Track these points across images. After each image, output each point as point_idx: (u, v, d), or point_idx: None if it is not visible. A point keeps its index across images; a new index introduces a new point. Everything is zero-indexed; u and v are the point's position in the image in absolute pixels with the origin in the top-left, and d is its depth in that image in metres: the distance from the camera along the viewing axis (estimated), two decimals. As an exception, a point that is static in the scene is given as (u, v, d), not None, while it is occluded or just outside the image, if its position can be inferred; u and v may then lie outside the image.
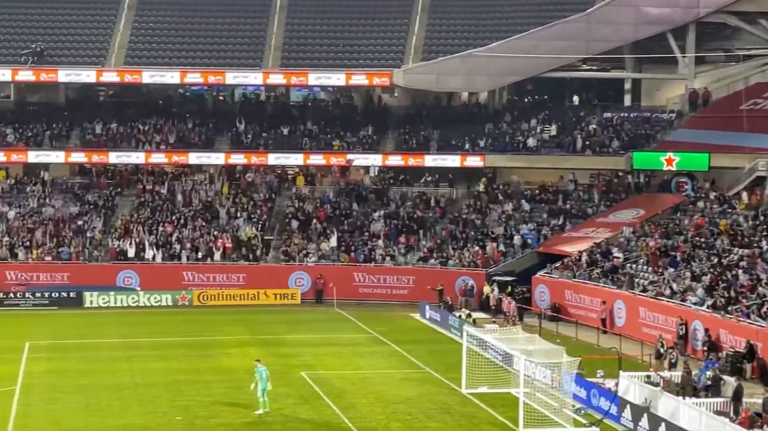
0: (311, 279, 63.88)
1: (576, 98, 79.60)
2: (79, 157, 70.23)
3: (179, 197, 69.67)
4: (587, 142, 69.06)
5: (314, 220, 67.67)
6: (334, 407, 37.57)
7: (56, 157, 69.92)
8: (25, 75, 69.20)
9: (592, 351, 46.92)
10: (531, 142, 70.06)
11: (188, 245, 65.33)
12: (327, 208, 69.06)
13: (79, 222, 66.90)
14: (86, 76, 69.85)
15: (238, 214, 68.27)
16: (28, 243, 64.71)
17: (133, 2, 75.03)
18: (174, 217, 67.71)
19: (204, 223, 67.30)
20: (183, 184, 71.05)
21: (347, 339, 51.79)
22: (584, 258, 58.32)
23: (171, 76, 69.86)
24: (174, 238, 65.81)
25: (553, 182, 70.14)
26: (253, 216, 68.27)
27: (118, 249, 64.52)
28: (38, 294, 61.46)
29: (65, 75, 69.40)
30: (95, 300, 61.68)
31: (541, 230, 65.34)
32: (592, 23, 68.63)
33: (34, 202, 68.62)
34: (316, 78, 70.81)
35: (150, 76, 69.79)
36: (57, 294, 61.51)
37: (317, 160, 70.73)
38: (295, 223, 67.41)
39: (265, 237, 66.51)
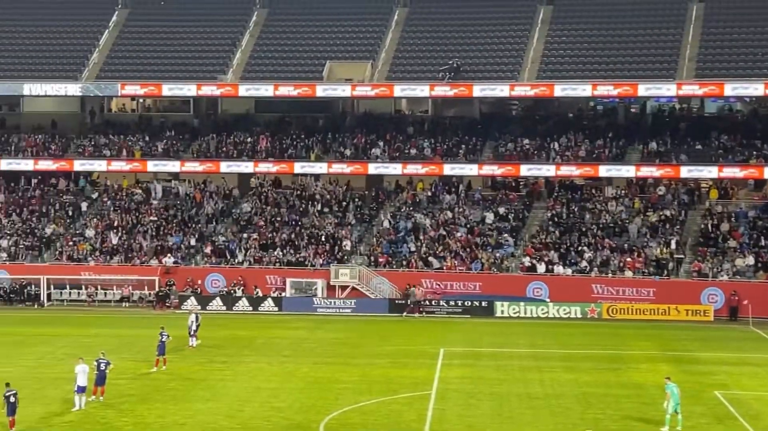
0: (725, 296, 61.87)
1: None
2: (491, 170, 71.76)
3: (588, 212, 69.53)
4: None
5: (729, 237, 65.49)
6: (751, 429, 36.06)
7: (470, 169, 71.75)
8: (442, 90, 71.43)
9: None
10: None
11: (598, 261, 65.10)
12: (743, 224, 66.57)
13: (491, 234, 68.38)
14: (500, 90, 71.15)
15: (648, 230, 67.21)
16: (441, 253, 66.95)
17: (547, 17, 75.96)
18: (583, 232, 67.65)
19: (613, 239, 66.79)
20: (593, 198, 70.88)
21: (764, 359, 49.61)
22: None
23: (582, 89, 69.83)
24: (584, 254, 65.76)
25: None
26: (663, 231, 66.98)
27: (528, 264, 65.36)
28: (452, 303, 63.61)
29: (480, 90, 70.98)
30: (506, 310, 62.98)
31: None
32: None
33: (449, 212, 70.85)
34: (732, 88, 68.43)
35: (562, 89, 70.09)
36: (470, 303, 63.44)
37: (732, 173, 68.34)
38: (708, 239, 65.54)
39: (675, 255, 65.00)
